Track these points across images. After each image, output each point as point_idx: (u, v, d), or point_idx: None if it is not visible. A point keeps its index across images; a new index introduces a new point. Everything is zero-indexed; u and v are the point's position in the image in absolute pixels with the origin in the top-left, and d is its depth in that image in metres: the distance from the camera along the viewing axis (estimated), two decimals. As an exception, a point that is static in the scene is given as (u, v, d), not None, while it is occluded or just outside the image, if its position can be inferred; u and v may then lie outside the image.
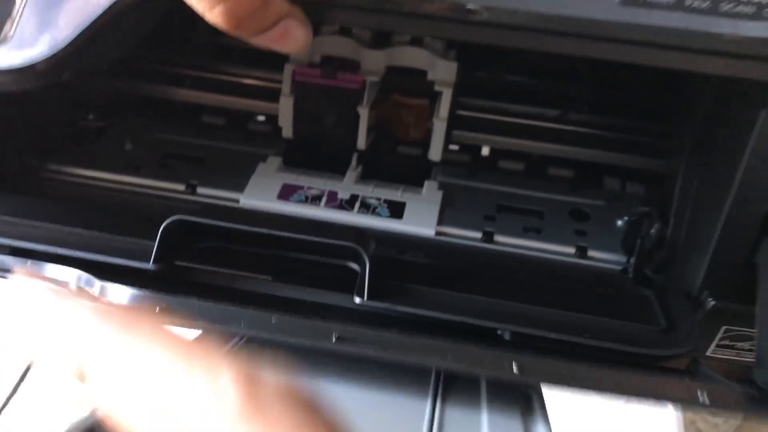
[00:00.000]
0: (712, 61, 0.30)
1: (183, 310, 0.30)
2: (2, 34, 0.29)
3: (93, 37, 0.29)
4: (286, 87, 0.50)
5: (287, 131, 0.52)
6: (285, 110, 0.51)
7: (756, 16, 0.28)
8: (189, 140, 0.53)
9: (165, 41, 0.58)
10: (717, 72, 0.30)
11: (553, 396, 0.37)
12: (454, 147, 0.58)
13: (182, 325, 0.30)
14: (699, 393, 0.29)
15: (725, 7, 0.28)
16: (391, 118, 0.55)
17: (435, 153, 0.52)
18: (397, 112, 0.55)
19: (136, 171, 0.49)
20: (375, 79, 0.50)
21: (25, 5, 0.29)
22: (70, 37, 0.29)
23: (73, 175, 0.49)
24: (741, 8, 0.28)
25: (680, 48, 0.29)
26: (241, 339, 0.32)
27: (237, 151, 0.53)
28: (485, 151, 0.58)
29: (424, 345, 0.31)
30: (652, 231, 0.42)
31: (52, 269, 0.34)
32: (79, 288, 0.32)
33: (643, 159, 0.52)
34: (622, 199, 0.51)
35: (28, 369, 0.79)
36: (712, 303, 0.37)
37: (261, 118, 0.59)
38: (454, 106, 0.54)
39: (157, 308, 0.30)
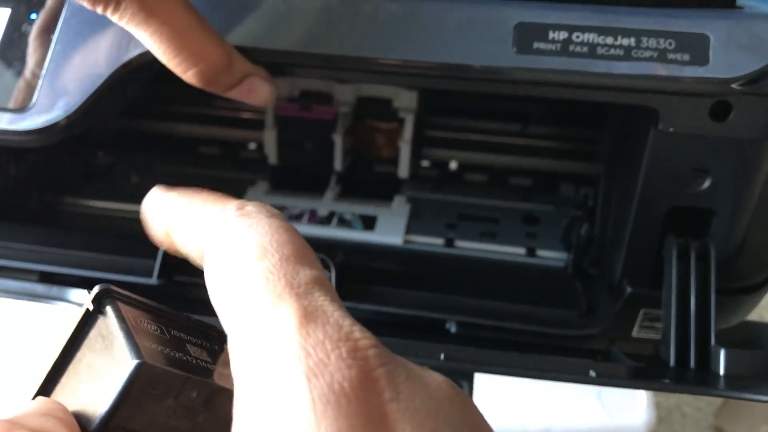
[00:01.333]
0: (598, 94, 0.37)
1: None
2: (29, 102, 0.36)
3: (98, 100, 0.37)
4: (269, 120, 0.57)
5: (273, 158, 0.59)
6: (269, 140, 0.58)
7: (626, 57, 0.35)
8: (187, 170, 0.61)
9: (164, 81, 0.65)
10: (604, 100, 0.37)
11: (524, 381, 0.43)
12: (425, 163, 0.65)
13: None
14: (590, 370, 0.36)
15: (601, 50, 0.35)
16: (366, 140, 0.62)
17: (403, 171, 0.59)
18: (371, 135, 0.62)
19: (141, 201, 0.56)
20: (347, 109, 0.57)
21: (44, 79, 0.37)
22: (80, 101, 0.36)
23: (87, 207, 0.56)
24: (613, 51, 0.35)
25: (567, 85, 0.36)
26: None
27: (230, 177, 0.60)
28: (453, 165, 0.65)
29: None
30: (582, 231, 0.49)
31: (74, 293, 0.41)
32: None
33: (583, 164, 0.59)
34: (569, 203, 0.57)
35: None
36: (629, 290, 0.44)
37: (252, 146, 0.67)
38: (421, 127, 0.61)
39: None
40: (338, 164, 0.58)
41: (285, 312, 0.20)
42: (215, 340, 0.27)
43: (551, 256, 0.52)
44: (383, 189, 0.60)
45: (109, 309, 0.25)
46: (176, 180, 0.59)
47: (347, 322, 0.20)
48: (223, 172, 0.61)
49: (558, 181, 0.62)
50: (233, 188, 0.58)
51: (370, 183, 0.62)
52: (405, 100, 0.57)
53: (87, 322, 0.25)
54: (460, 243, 0.53)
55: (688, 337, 0.40)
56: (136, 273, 0.43)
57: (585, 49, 0.35)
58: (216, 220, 0.25)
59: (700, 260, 0.41)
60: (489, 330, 0.41)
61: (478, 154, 0.64)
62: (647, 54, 0.35)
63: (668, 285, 0.41)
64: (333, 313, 0.20)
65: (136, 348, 0.23)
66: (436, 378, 0.21)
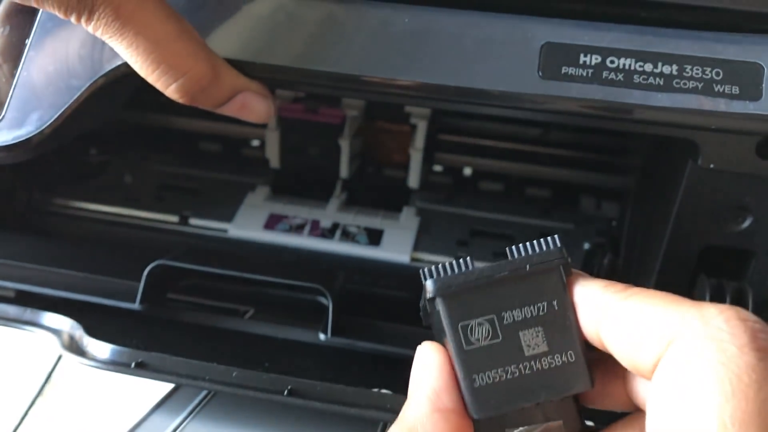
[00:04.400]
0: (631, 126, 0.33)
1: (156, 365, 0.34)
2: (-3, 116, 0.33)
3: (75, 113, 0.33)
4: (271, 122, 0.54)
5: (274, 162, 0.55)
6: (271, 143, 0.54)
7: (666, 87, 0.31)
8: (185, 170, 0.57)
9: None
10: (639, 131, 0.33)
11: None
12: (438, 168, 0.61)
13: (156, 379, 0.34)
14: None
15: (638, 79, 0.31)
16: (375, 143, 0.58)
17: (413, 180, 0.55)
18: (381, 138, 0.58)
19: (134, 203, 0.53)
20: (356, 112, 0.53)
21: (13, 91, 0.33)
22: (54, 114, 0.33)
23: (77, 209, 0.53)
24: (652, 80, 0.31)
25: (598, 117, 0.31)
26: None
27: (228, 180, 0.57)
28: (467, 171, 0.61)
29: (366, 397, 0.35)
30: (605, 261, 0.45)
31: (48, 318, 0.38)
32: (70, 337, 0.36)
33: (607, 177, 0.55)
34: (590, 222, 0.53)
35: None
36: (655, 333, 0.40)
37: (255, 143, 0.63)
38: (435, 131, 0.57)
39: (133, 364, 0.34)
40: (344, 171, 0.55)
41: None
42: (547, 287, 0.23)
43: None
44: (392, 197, 0.56)
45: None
46: (172, 181, 0.57)
47: None
48: (222, 174, 0.57)
49: (579, 193, 0.58)
50: (232, 192, 0.54)
51: (377, 190, 0.58)
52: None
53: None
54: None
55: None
56: (119, 297, 0.40)
57: (620, 77, 0.31)
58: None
59: (736, 304, 0.38)
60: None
61: (495, 161, 0.60)
62: (691, 85, 0.31)
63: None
64: None
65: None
66: None
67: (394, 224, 0.52)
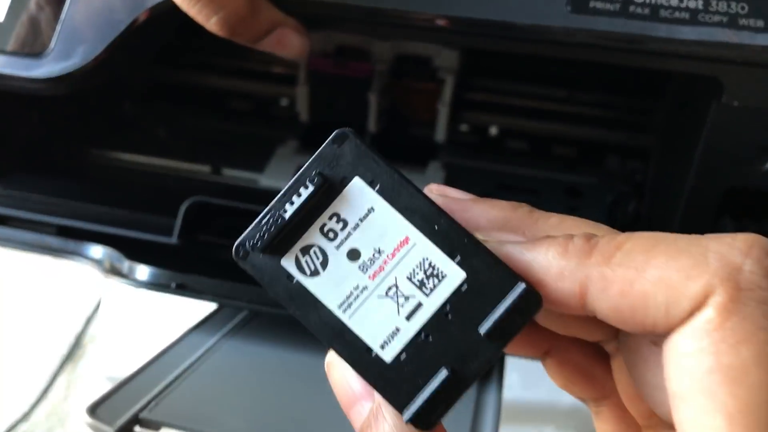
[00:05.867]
0: (657, 60, 0.33)
1: (195, 285, 0.36)
2: (45, 48, 0.34)
3: (118, 48, 0.34)
4: (301, 76, 0.55)
5: (304, 116, 0.56)
6: (302, 97, 0.56)
7: (692, 21, 0.32)
8: (216, 125, 0.59)
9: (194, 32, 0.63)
10: (663, 68, 0.34)
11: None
12: (464, 127, 0.62)
13: (196, 298, 0.35)
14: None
15: (664, 13, 0.32)
16: (403, 101, 0.59)
17: (440, 134, 0.56)
18: (409, 95, 0.59)
19: (168, 154, 0.55)
20: (384, 67, 0.54)
21: (62, 24, 0.34)
22: (99, 49, 0.34)
23: (113, 159, 0.54)
24: (677, 14, 0.32)
25: (625, 50, 0.32)
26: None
27: (260, 134, 0.58)
28: (493, 131, 0.62)
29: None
30: (629, 208, 0.45)
31: (91, 249, 0.39)
32: (112, 264, 0.38)
33: (632, 135, 0.55)
34: (614, 176, 0.54)
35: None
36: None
37: (284, 102, 0.64)
38: (462, 89, 0.58)
39: (173, 284, 0.35)
40: (372, 125, 0.56)
41: None
42: None
43: (593, 232, 0.49)
44: (419, 153, 0.57)
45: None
46: (204, 135, 0.58)
47: None
48: (253, 129, 0.59)
49: (604, 152, 0.58)
50: (262, 146, 0.56)
51: (405, 145, 0.59)
52: (446, 59, 0.54)
53: None
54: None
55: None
56: (158, 231, 0.41)
57: (647, 11, 0.32)
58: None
59: (758, 246, 0.38)
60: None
61: (521, 120, 0.60)
62: (716, 18, 0.31)
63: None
64: None
65: None
66: None
67: (420, 178, 0.53)
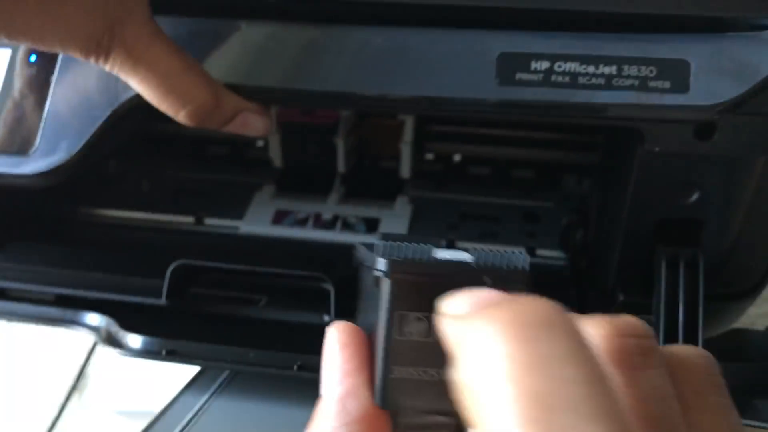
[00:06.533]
0: (581, 118, 0.37)
1: (184, 351, 0.40)
2: (31, 146, 0.38)
3: (98, 139, 0.38)
4: (272, 125, 0.59)
5: (278, 162, 0.60)
6: (274, 145, 0.59)
7: (607, 86, 0.36)
8: (197, 174, 0.62)
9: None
10: (589, 124, 0.38)
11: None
12: (430, 156, 0.66)
13: (184, 362, 0.39)
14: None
15: (582, 80, 0.36)
16: (369, 139, 0.63)
17: (405, 171, 0.60)
18: (375, 133, 0.63)
19: (153, 208, 0.58)
20: (348, 112, 0.58)
21: (45, 122, 0.38)
22: (81, 142, 0.38)
23: (101, 216, 0.58)
24: (594, 80, 0.36)
25: (550, 115, 0.36)
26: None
27: (237, 181, 0.62)
28: (457, 158, 0.66)
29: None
30: (578, 235, 0.50)
31: (88, 317, 0.43)
32: (108, 332, 0.42)
33: (584, 155, 0.59)
34: (570, 200, 0.58)
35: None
36: (622, 298, 0.45)
37: (260, 143, 0.68)
38: (424, 123, 0.62)
39: (164, 351, 0.39)
40: (341, 166, 0.59)
41: None
42: None
43: (551, 255, 0.53)
44: (387, 188, 0.61)
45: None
46: (185, 185, 0.62)
47: None
48: (231, 176, 0.62)
49: (561, 173, 0.62)
50: (241, 192, 0.59)
51: (373, 182, 0.63)
52: (405, 102, 0.57)
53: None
54: (461, 244, 0.55)
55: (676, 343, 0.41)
56: (147, 294, 0.45)
57: (567, 79, 0.36)
58: None
59: (689, 269, 0.42)
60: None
61: (482, 147, 0.64)
62: (628, 82, 0.35)
63: (658, 293, 0.42)
64: None
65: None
66: None
67: (390, 213, 0.57)
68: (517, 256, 0.22)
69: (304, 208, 0.58)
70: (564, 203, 0.58)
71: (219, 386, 0.42)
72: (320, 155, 0.59)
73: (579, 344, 0.17)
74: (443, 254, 0.22)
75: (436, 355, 0.21)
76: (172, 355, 0.39)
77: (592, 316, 0.22)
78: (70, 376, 0.89)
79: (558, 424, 0.15)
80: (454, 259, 0.22)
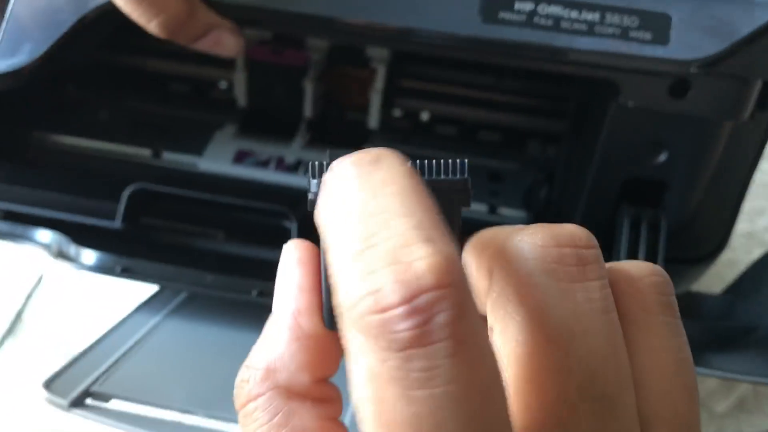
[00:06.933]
0: (559, 66, 0.37)
1: (140, 269, 0.38)
2: (-11, 46, 0.36)
3: (62, 46, 0.37)
4: (239, 63, 0.57)
5: (242, 101, 0.59)
6: (239, 83, 0.58)
7: (589, 32, 0.35)
8: (157, 108, 0.61)
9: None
10: (566, 72, 0.38)
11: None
12: (397, 113, 0.65)
13: (140, 281, 0.38)
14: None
15: (564, 24, 0.36)
16: (338, 87, 0.62)
17: (373, 121, 0.59)
18: (343, 82, 0.62)
19: (110, 138, 0.56)
20: (319, 56, 0.57)
21: (7, 23, 0.36)
22: (44, 47, 0.36)
23: (56, 143, 0.56)
24: (576, 25, 0.35)
25: (530, 57, 0.36)
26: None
27: (199, 118, 0.60)
28: (425, 116, 0.65)
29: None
30: (542, 193, 0.50)
31: (39, 233, 0.41)
32: (59, 248, 0.40)
33: (550, 122, 0.59)
34: (534, 163, 0.58)
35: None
36: (582, 255, 0.45)
37: (223, 85, 0.66)
38: (394, 77, 0.61)
39: (119, 268, 0.38)
40: (308, 111, 0.58)
41: None
42: None
43: (512, 214, 0.53)
44: (353, 138, 0.60)
45: None
46: (145, 118, 0.60)
47: None
48: (192, 113, 0.61)
49: (526, 138, 0.62)
50: (202, 129, 0.58)
51: (340, 131, 0.62)
52: (378, 50, 0.57)
53: None
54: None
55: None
56: (101, 216, 0.43)
57: (549, 22, 0.35)
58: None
59: (651, 230, 0.43)
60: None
61: (450, 107, 0.64)
62: (610, 30, 0.35)
63: (618, 252, 0.43)
64: None
65: None
66: None
67: (355, 161, 0.57)
68: (457, 163, 0.22)
69: (267, 150, 0.57)
70: (529, 164, 0.58)
71: (174, 308, 0.41)
72: (287, 98, 0.58)
73: (403, 173, 0.19)
74: None
75: None
76: (128, 272, 0.38)
77: (532, 225, 0.21)
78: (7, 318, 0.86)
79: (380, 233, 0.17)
80: None
